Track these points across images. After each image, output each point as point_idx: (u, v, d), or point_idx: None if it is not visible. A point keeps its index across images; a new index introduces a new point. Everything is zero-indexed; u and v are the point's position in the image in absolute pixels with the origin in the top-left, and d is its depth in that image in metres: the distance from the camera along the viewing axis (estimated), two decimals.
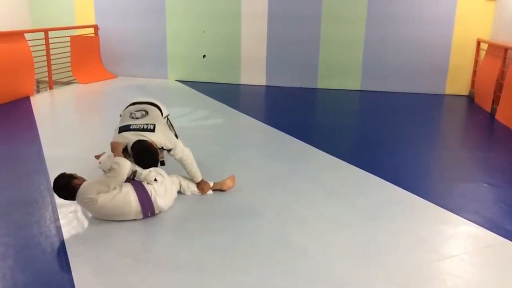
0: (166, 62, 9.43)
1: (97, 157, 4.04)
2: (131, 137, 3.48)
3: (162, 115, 3.89)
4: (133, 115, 3.70)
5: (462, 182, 4.23)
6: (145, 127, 3.55)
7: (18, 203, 3.61)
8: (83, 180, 3.27)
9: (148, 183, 3.34)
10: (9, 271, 2.71)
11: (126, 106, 3.94)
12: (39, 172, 4.26)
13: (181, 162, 3.71)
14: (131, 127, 3.54)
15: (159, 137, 3.54)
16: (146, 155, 3.42)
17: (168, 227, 3.27)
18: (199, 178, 3.76)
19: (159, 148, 3.56)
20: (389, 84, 8.53)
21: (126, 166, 3.26)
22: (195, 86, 8.75)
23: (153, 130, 3.54)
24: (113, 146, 3.43)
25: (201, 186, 3.78)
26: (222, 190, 3.84)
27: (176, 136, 3.88)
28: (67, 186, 3.21)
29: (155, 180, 3.38)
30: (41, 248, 2.98)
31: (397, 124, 6.43)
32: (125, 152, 3.50)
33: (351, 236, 3.17)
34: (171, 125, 4.01)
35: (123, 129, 3.56)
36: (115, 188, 3.22)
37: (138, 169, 3.41)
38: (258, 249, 2.98)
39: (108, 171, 3.27)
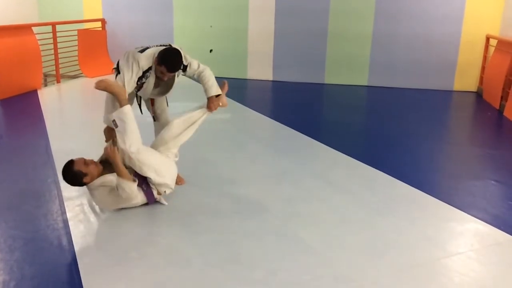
0: None
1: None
2: (154, 50, 3.36)
3: None
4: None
5: (470, 179, 4.20)
6: (162, 44, 3.48)
7: (25, 196, 3.63)
8: (94, 166, 3.16)
9: (158, 193, 3.38)
10: (16, 263, 2.73)
11: None
12: (46, 165, 4.28)
13: (199, 75, 3.58)
14: (149, 47, 3.44)
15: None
16: (174, 56, 3.33)
17: (174, 221, 3.27)
18: (217, 90, 3.56)
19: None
20: (397, 79, 8.48)
21: (133, 188, 3.14)
22: None
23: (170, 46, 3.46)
24: (109, 155, 3.18)
25: (213, 101, 3.57)
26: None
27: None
28: (76, 179, 3.16)
29: (165, 192, 3.40)
30: (48, 240, 2.99)
31: (404, 120, 6.39)
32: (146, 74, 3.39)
33: (357, 232, 3.16)
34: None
35: (141, 50, 3.42)
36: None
37: (152, 176, 3.28)
38: (265, 244, 2.98)
39: (116, 188, 3.17)
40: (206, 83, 3.58)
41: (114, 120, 3.21)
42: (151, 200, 3.35)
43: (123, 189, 3.10)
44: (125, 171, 3.14)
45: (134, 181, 3.17)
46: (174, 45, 3.52)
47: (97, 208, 3.38)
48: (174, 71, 3.35)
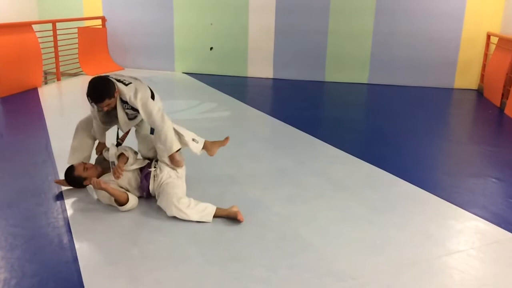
0: (173, 54, 9.42)
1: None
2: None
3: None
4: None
5: (470, 177, 4.20)
6: (121, 79, 3.34)
7: (26, 193, 3.63)
8: (93, 170, 3.46)
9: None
10: (17, 261, 2.73)
11: None
12: (46, 163, 4.28)
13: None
14: (109, 76, 3.37)
15: (129, 90, 3.26)
16: (94, 88, 3.22)
17: (175, 219, 3.26)
18: (176, 145, 3.39)
19: (125, 104, 3.33)
20: (398, 77, 8.47)
21: (128, 206, 3.30)
22: (202, 79, 8.74)
23: (126, 84, 3.30)
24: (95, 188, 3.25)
25: (173, 160, 3.41)
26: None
27: None
28: (77, 183, 3.51)
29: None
30: (48, 238, 3.00)
31: (405, 118, 6.39)
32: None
33: (358, 229, 3.16)
34: None
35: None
36: None
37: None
38: (265, 242, 2.98)
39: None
40: (162, 144, 3.38)
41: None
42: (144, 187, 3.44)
43: (120, 208, 3.30)
44: (118, 194, 3.25)
45: (128, 200, 3.28)
46: (140, 81, 3.41)
47: (98, 206, 3.38)
48: (97, 103, 3.24)
